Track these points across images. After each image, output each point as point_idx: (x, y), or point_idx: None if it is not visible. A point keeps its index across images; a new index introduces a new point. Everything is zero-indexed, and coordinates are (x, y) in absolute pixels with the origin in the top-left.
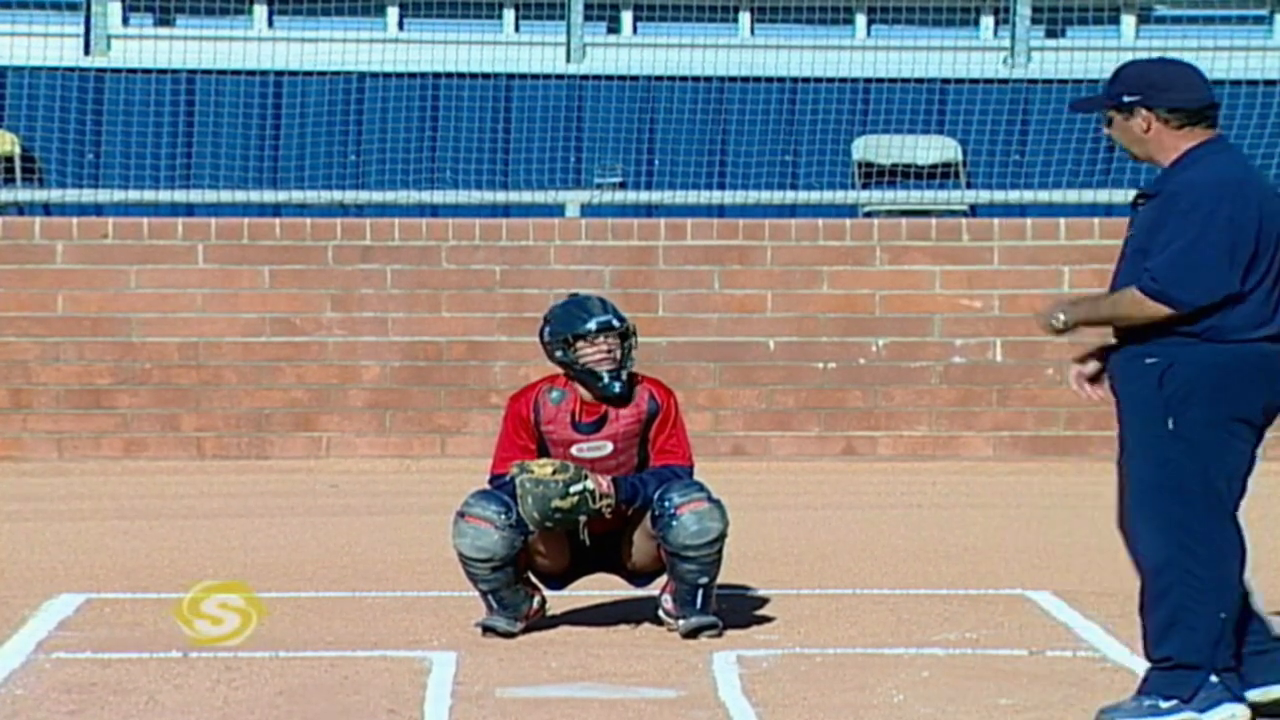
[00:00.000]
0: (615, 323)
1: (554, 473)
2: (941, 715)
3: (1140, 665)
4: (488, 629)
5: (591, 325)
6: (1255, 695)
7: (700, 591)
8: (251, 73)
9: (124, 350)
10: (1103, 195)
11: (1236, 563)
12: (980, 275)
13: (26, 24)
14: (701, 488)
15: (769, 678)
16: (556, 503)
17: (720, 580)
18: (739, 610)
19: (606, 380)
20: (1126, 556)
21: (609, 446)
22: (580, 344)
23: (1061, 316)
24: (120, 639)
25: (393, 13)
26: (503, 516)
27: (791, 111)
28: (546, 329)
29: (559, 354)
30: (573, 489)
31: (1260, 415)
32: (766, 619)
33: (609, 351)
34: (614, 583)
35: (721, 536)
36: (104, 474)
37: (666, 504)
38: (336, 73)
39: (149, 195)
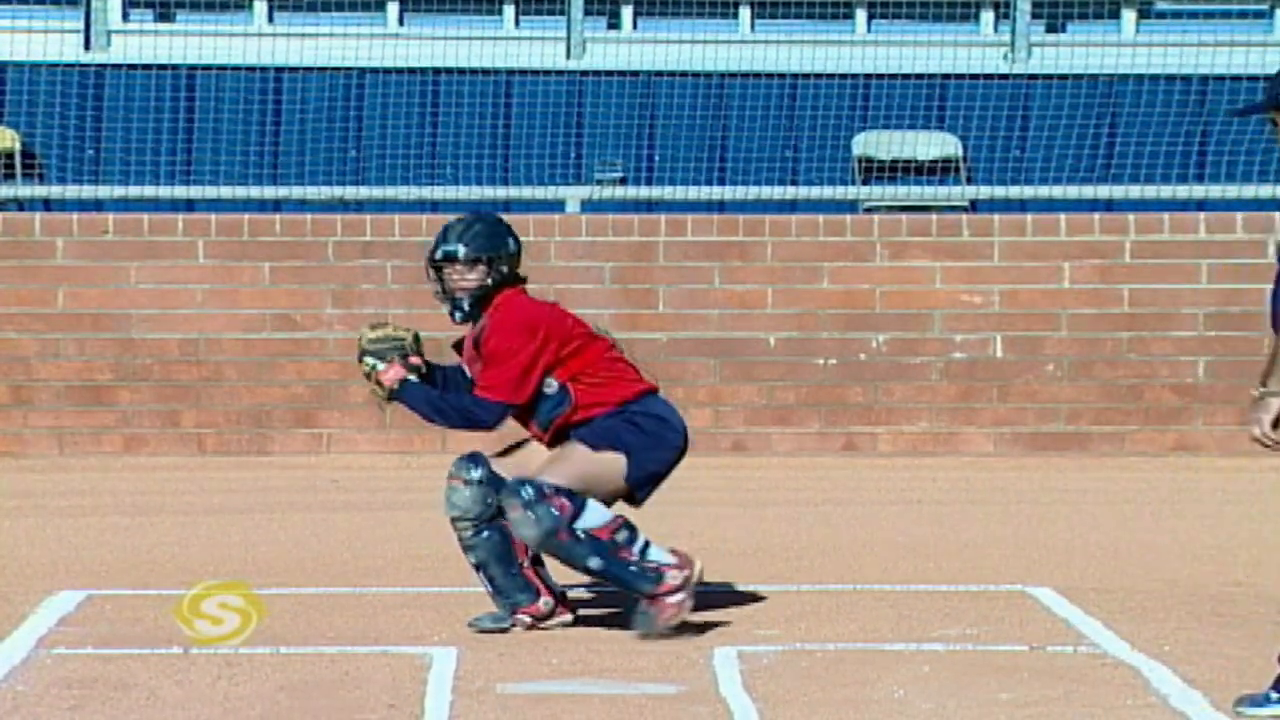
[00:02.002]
0: (461, 252)
1: (383, 339)
2: (942, 710)
3: (1141, 661)
4: (483, 630)
5: (436, 254)
6: None
7: (616, 582)
8: (252, 68)
9: (124, 346)
10: (1103, 191)
11: None
12: (980, 271)
13: (27, 20)
14: (518, 491)
15: (770, 673)
16: (360, 356)
17: (720, 576)
18: (739, 606)
19: (447, 310)
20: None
21: (466, 368)
22: (435, 269)
23: (1257, 392)
24: (121, 635)
25: (393, 8)
26: (472, 471)
27: (792, 107)
28: None
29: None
30: (365, 359)
31: None
32: (767, 615)
33: (455, 280)
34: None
35: (545, 537)
36: (104, 470)
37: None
38: (337, 68)
39: (149, 191)
